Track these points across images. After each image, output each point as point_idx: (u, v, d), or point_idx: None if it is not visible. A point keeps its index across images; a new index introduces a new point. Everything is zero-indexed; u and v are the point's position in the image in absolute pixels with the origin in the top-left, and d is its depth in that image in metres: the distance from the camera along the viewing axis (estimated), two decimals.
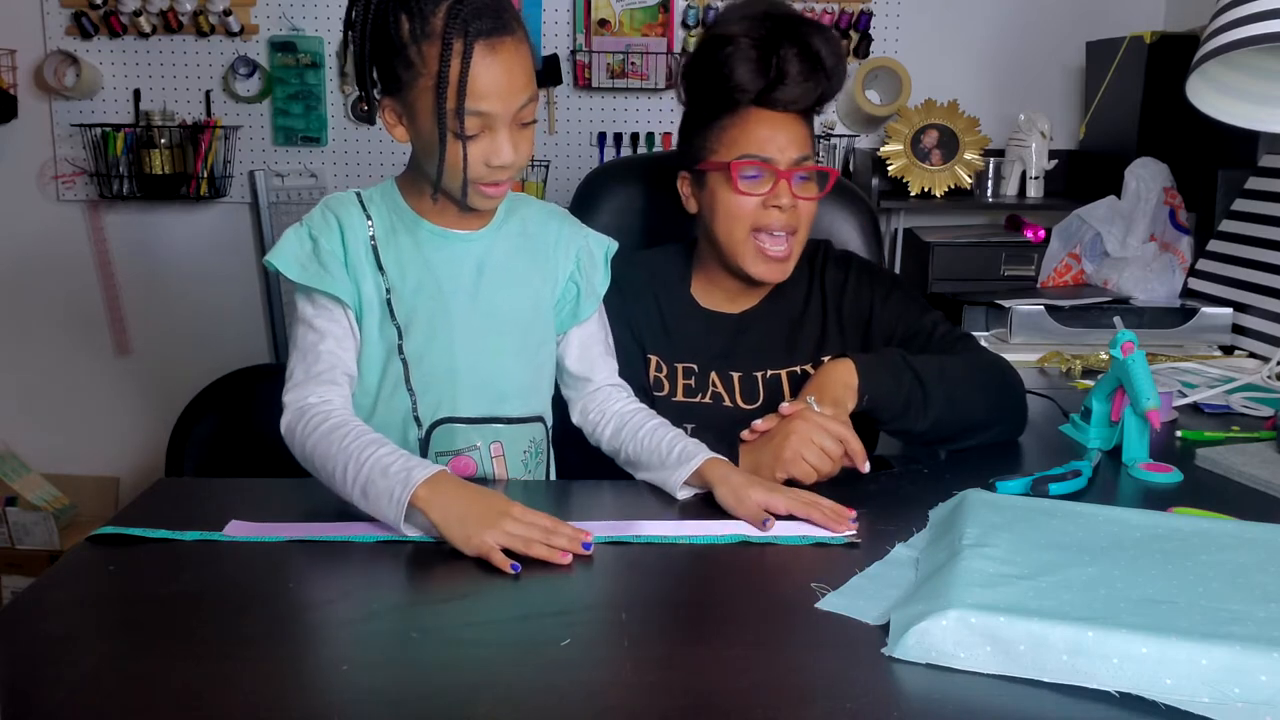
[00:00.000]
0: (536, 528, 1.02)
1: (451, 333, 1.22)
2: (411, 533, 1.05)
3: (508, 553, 0.99)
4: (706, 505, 1.15)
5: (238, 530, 1.07)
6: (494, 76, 1.10)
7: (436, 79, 1.09)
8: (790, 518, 1.09)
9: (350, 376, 1.20)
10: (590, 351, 1.32)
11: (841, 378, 1.26)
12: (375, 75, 1.16)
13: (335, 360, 1.18)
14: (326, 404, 1.15)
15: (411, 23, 1.09)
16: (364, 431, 1.11)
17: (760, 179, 1.35)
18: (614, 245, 1.33)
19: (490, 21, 1.09)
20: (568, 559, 1.00)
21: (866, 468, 1.21)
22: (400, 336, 1.22)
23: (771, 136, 1.34)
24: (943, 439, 1.32)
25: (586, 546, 1.02)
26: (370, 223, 1.21)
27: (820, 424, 1.20)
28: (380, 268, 1.21)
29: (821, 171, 1.38)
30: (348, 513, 1.09)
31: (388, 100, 1.16)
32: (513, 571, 0.98)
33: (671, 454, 1.19)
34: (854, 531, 1.07)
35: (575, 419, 1.32)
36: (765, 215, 1.35)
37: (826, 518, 1.08)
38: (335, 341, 1.18)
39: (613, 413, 1.29)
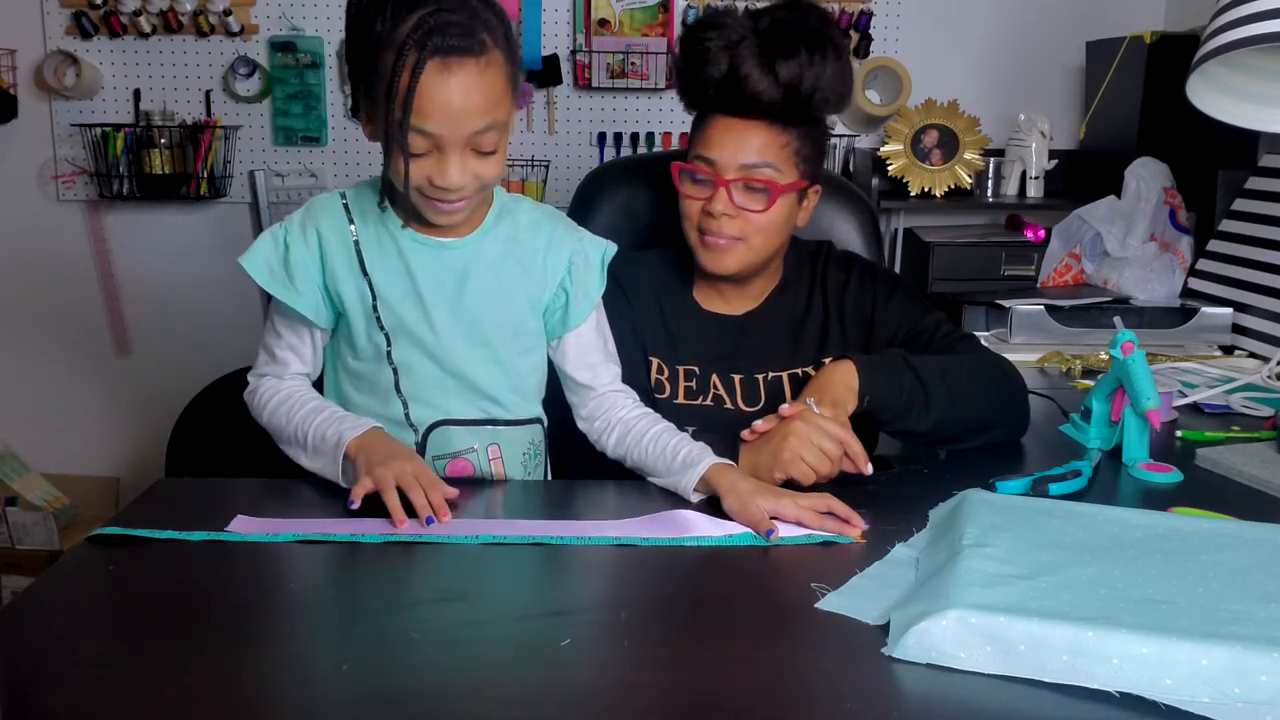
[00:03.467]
0: (416, 482, 1.09)
1: (437, 341, 1.22)
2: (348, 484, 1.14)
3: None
4: (714, 507, 1.15)
5: (243, 526, 1.07)
6: (442, 98, 1.06)
7: (388, 89, 1.06)
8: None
9: (301, 374, 1.28)
10: (589, 357, 1.30)
11: (842, 379, 1.26)
12: (352, 72, 1.15)
13: (287, 361, 1.26)
14: (274, 382, 1.26)
15: (383, 26, 1.07)
16: (306, 401, 1.23)
17: (705, 183, 1.34)
18: (612, 248, 1.31)
19: (456, 39, 1.05)
20: (424, 518, 1.07)
21: (869, 470, 1.21)
22: (389, 343, 1.22)
23: (721, 140, 1.32)
24: (944, 439, 1.32)
25: (429, 521, 1.07)
26: (354, 227, 1.21)
27: (820, 425, 1.19)
28: (365, 273, 1.20)
29: (767, 185, 1.32)
30: (351, 510, 1.10)
31: (363, 99, 1.15)
32: (402, 526, 1.06)
33: (676, 460, 1.18)
34: (862, 531, 1.07)
35: (580, 425, 1.31)
36: (705, 220, 1.34)
37: (838, 526, 1.07)
38: (289, 348, 1.26)
39: (616, 419, 1.28)
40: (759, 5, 1.39)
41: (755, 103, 1.30)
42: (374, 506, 1.11)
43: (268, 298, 1.23)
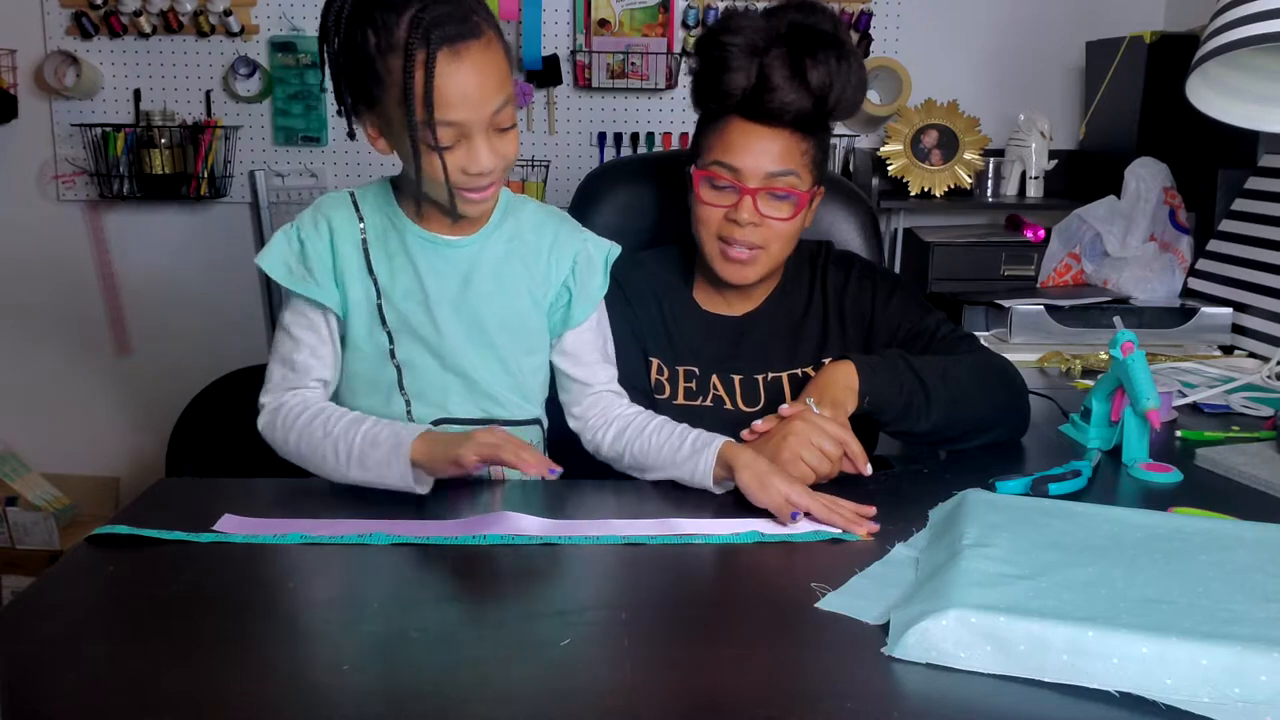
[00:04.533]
0: (510, 442, 1.10)
1: (439, 340, 1.22)
2: (421, 489, 1.14)
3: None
4: (719, 503, 1.15)
5: (230, 525, 1.07)
6: (461, 84, 1.07)
7: (403, 92, 1.06)
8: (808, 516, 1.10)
9: (324, 382, 1.24)
10: (585, 355, 1.30)
11: (842, 379, 1.26)
12: (350, 91, 1.14)
13: (309, 368, 1.22)
14: (299, 399, 1.21)
15: (376, 36, 1.07)
16: (343, 414, 1.19)
17: (727, 190, 1.33)
18: (616, 250, 1.31)
19: (455, 27, 1.06)
20: (533, 470, 1.09)
21: (868, 470, 1.21)
22: (391, 342, 1.22)
23: (745, 146, 1.31)
24: (945, 440, 1.32)
25: (553, 473, 1.09)
26: (362, 225, 1.21)
27: (819, 425, 1.19)
28: (371, 272, 1.20)
29: (793, 193, 1.32)
30: (341, 511, 1.10)
31: (367, 114, 1.15)
32: (475, 473, 1.11)
33: (684, 446, 1.18)
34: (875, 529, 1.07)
35: (572, 424, 1.31)
36: (727, 228, 1.33)
37: (848, 522, 1.08)
38: (310, 351, 1.22)
39: (614, 415, 1.27)
40: (758, 4, 1.37)
41: (782, 112, 1.29)
42: (372, 510, 1.11)
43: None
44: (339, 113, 1.15)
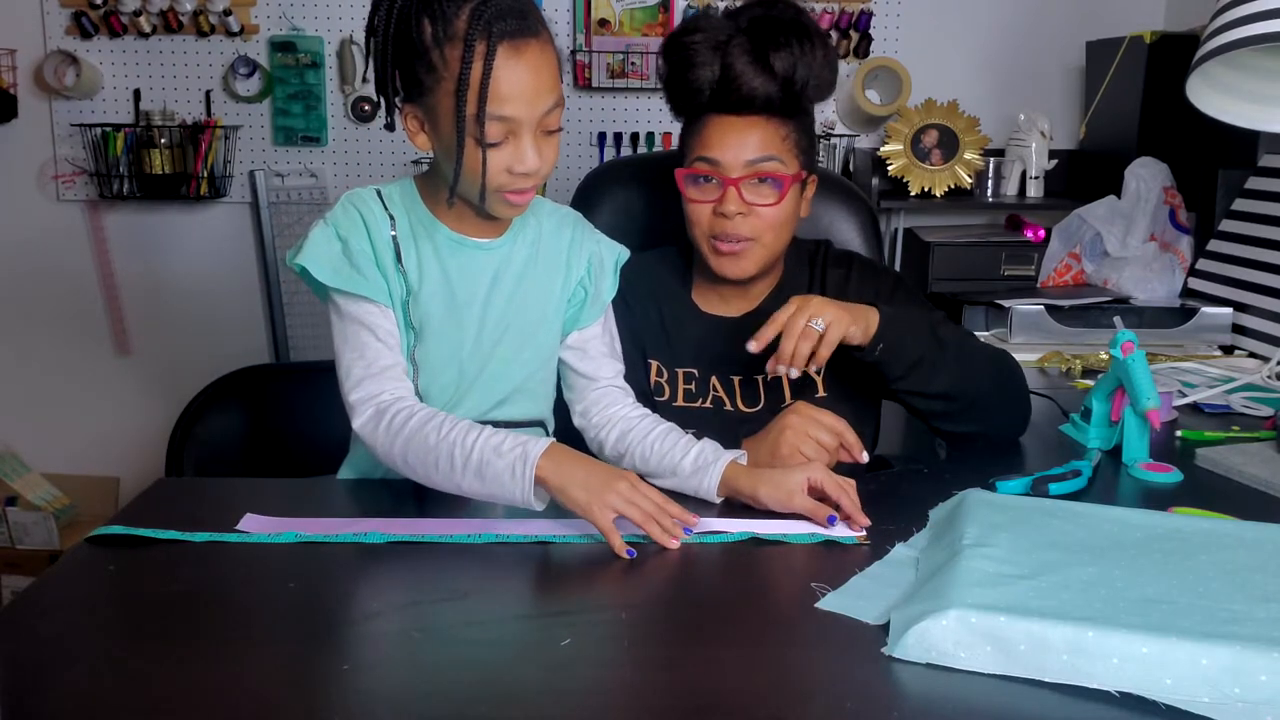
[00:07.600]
0: (650, 500, 1.06)
1: (461, 341, 1.21)
2: (539, 505, 1.08)
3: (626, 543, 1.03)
4: (730, 509, 1.15)
5: (253, 525, 1.07)
6: (518, 79, 1.08)
7: (457, 82, 1.07)
8: (821, 497, 1.11)
9: (404, 371, 1.19)
10: (592, 350, 1.30)
11: (864, 318, 1.24)
12: (397, 81, 1.13)
13: (394, 358, 1.17)
14: (402, 400, 1.15)
15: (434, 25, 1.07)
16: (455, 420, 1.12)
17: (711, 185, 1.33)
18: (625, 254, 1.32)
19: (515, 22, 1.07)
20: (676, 544, 1.04)
21: (865, 458, 1.21)
22: (415, 341, 1.21)
23: (722, 139, 1.31)
24: (948, 412, 1.31)
25: (688, 531, 1.05)
26: (392, 222, 1.20)
27: (814, 418, 1.20)
28: (402, 269, 1.19)
29: (776, 177, 1.31)
30: (341, 511, 1.10)
31: (409, 107, 1.14)
32: (628, 557, 1.01)
33: (687, 460, 1.18)
34: (864, 533, 1.08)
35: (576, 421, 1.30)
36: (718, 224, 1.33)
37: (851, 506, 1.09)
38: (389, 335, 1.18)
39: (618, 416, 1.27)
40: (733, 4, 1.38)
41: (751, 100, 1.30)
42: (370, 509, 1.11)
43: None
44: (376, 104, 1.14)
